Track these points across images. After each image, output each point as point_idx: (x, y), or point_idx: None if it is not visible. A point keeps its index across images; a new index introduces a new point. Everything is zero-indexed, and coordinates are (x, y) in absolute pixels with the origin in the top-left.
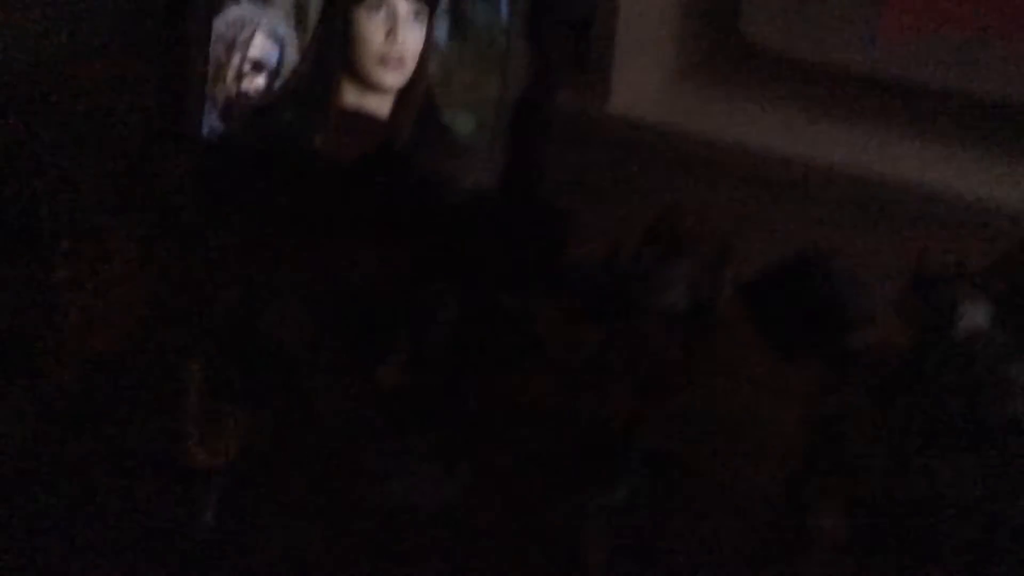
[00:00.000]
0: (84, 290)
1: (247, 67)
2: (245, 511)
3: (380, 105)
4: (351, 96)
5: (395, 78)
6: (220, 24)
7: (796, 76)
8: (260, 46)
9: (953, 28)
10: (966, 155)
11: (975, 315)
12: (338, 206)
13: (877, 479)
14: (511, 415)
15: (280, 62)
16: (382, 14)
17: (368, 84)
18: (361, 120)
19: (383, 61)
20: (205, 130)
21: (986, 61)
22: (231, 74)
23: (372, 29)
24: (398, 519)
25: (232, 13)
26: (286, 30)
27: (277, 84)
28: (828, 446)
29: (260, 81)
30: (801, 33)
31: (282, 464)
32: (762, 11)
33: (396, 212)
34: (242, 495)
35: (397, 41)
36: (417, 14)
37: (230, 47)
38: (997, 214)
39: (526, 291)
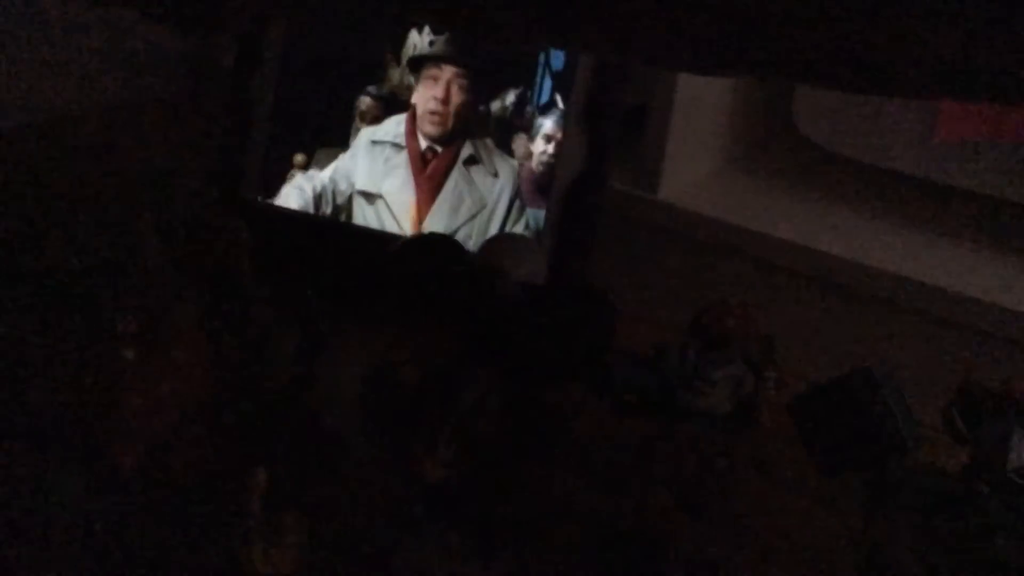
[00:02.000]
0: (149, 371)
1: None
2: None
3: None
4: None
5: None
6: None
7: (848, 174)
8: None
9: (1005, 136)
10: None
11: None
12: (389, 285)
13: None
14: (551, 513)
15: None
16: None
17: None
18: None
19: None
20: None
21: None
22: None
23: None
24: None
25: None
26: None
27: None
28: (870, 570)
29: None
30: (853, 131)
31: (328, 562)
32: (815, 107)
33: (447, 296)
34: None
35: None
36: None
37: None
38: None
39: (571, 384)
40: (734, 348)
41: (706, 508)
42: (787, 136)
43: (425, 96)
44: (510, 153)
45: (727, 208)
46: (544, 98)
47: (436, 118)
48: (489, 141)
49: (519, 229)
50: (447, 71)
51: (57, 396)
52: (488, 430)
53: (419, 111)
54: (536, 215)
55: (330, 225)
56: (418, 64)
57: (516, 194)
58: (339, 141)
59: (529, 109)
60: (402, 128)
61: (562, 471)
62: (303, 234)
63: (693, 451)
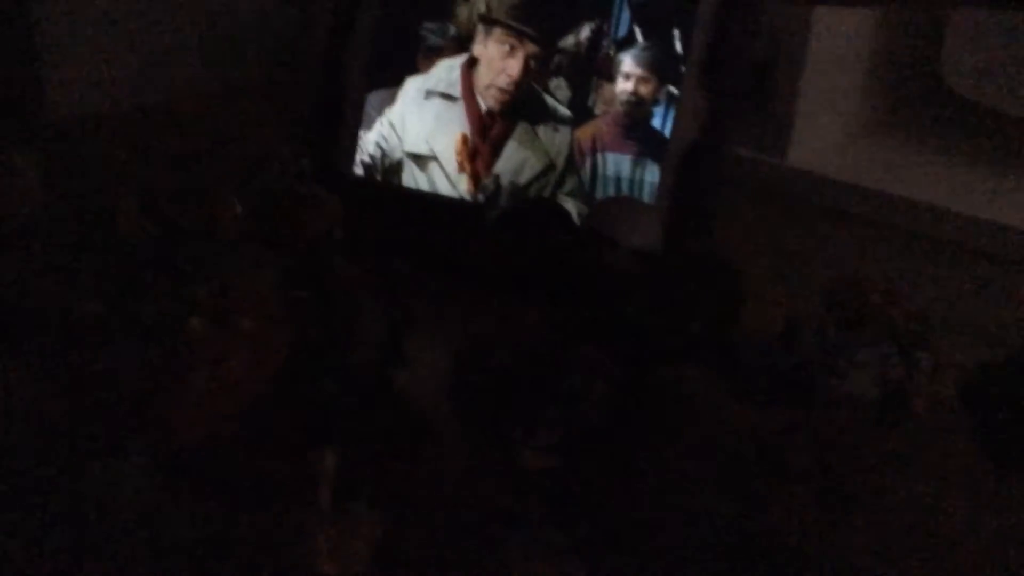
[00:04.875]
0: (217, 344)
1: None
2: None
3: None
4: None
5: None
6: None
7: (1004, 131)
8: None
9: None
10: None
11: None
12: (487, 257)
13: None
14: (666, 512)
15: None
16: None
17: None
18: None
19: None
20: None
21: None
22: None
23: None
24: None
25: None
26: None
27: None
28: None
29: None
30: (1008, 84)
31: (406, 563)
32: (968, 58)
33: (551, 269)
34: None
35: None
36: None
37: None
38: None
39: (690, 366)
40: (879, 327)
41: (850, 510)
42: (935, 93)
43: (494, 66)
44: (585, 92)
45: (866, 173)
46: (622, 32)
47: (502, 96)
48: (559, 82)
49: (570, 186)
50: (527, 46)
51: (126, 368)
52: (595, 416)
53: (482, 77)
54: (619, 161)
55: (424, 196)
56: (493, 22)
57: (571, 149)
58: (394, 81)
59: (606, 44)
60: (456, 76)
61: (680, 464)
62: (398, 206)
63: (834, 443)
